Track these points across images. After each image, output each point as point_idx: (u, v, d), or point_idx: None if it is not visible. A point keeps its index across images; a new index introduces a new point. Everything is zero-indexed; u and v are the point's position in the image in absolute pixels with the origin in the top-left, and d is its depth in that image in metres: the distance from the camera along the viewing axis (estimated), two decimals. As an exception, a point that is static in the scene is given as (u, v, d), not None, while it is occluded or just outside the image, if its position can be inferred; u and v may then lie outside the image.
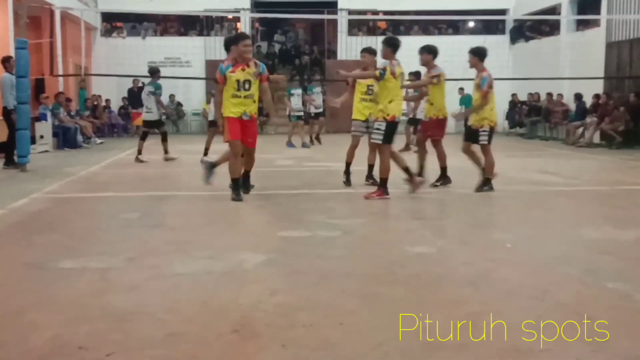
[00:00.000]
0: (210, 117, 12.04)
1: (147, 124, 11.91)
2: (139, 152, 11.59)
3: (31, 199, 7.30)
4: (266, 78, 7.25)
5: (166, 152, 11.65)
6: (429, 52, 8.09)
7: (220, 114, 7.19)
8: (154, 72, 11.92)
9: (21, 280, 4.18)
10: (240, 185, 7.31)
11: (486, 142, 7.75)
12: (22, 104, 10.04)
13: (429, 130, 8.34)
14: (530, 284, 3.99)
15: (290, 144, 14.86)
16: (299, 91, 15.59)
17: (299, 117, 15.45)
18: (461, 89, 18.90)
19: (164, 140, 11.66)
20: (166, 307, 3.53)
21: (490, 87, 7.66)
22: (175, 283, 4.03)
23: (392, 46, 7.30)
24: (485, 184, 7.77)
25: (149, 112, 11.76)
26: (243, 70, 7.04)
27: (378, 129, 7.22)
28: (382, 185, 7.29)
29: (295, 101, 15.36)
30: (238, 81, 7.01)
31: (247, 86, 7.05)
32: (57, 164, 11.30)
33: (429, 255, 4.77)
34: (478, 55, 7.79)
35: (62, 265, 4.43)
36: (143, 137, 11.81)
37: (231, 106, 7.06)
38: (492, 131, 7.80)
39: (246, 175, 7.54)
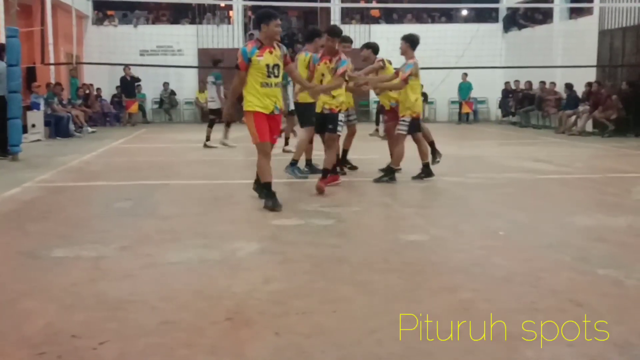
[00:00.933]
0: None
1: (213, 112, 12.38)
2: (207, 138, 12.02)
3: (23, 188, 7.27)
4: (290, 60, 6.40)
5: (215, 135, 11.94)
6: (367, 47, 8.55)
7: (233, 104, 6.35)
8: (216, 62, 12.30)
9: (14, 268, 4.17)
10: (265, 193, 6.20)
11: (404, 132, 7.58)
12: (13, 93, 9.98)
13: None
14: (523, 271, 4.01)
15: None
16: None
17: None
18: (465, 74, 19.32)
19: (227, 125, 12.02)
20: (160, 296, 3.54)
21: (414, 75, 7.48)
22: (169, 271, 4.03)
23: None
24: (388, 173, 7.63)
25: (212, 101, 12.36)
26: (271, 53, 6.04)
27: (341, 120, 7.22)
28: (325, 175, 7.05)
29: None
30: (268, 66, 5.99)
31: (276, 72, 6.08)
32: (49, 153, 11.25)
33: (423, 243, 4.78)
34: (410, 42, 7.63)
35: (56, 253, 4.43)
36: (210, 125, 12.20)
37: (260, 98, 6.02)
38: (413, 122, 7.59)
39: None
